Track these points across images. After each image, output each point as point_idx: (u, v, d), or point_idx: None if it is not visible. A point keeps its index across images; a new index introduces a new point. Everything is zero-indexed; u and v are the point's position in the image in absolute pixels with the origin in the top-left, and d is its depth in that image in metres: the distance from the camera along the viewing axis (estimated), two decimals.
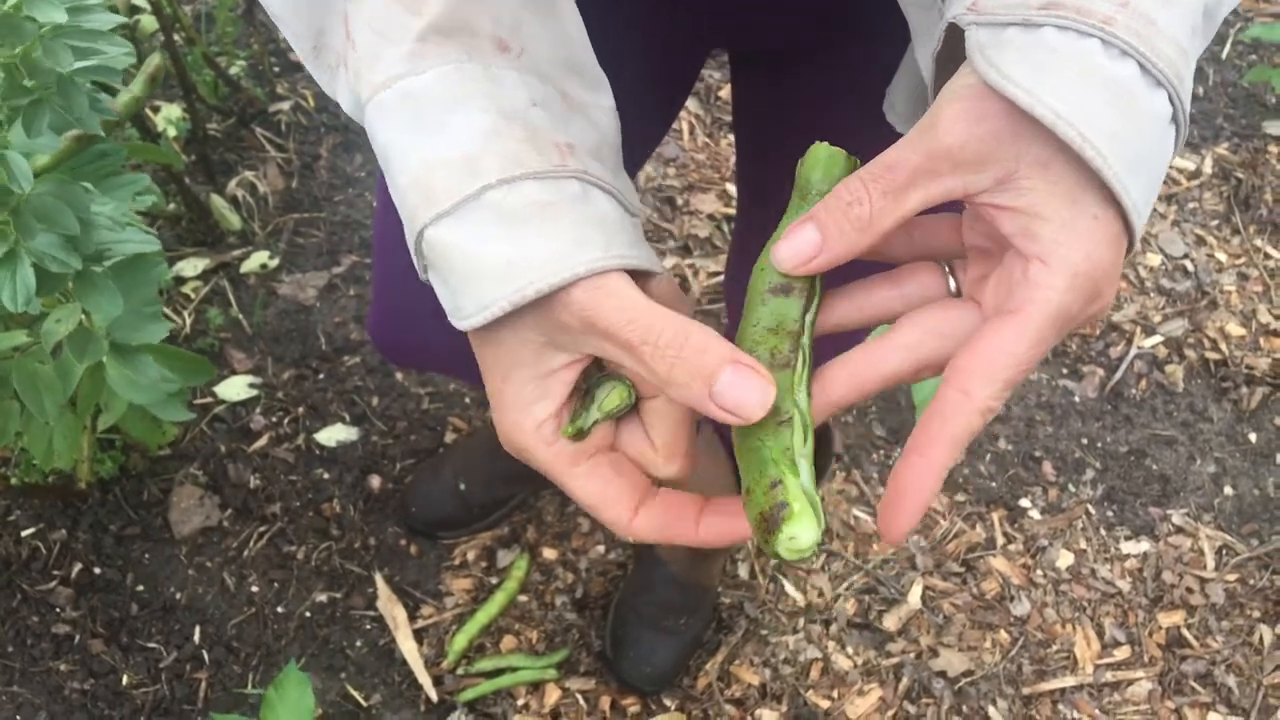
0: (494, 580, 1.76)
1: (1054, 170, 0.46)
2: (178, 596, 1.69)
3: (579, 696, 1.67)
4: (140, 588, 1.69)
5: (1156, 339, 2.12)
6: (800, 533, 0.47)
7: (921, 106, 0.74)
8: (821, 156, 0.52)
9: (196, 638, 1.66)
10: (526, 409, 0.52)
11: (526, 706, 1.65)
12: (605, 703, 1.66)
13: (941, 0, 0.65)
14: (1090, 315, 0.48)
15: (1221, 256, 2.26)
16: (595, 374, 0.53)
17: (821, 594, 1.78)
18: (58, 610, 1.65)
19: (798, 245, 0.49)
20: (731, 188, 2.25)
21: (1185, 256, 2.25)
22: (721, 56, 2.41)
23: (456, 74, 0.50)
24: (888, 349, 0.51)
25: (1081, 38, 0.45)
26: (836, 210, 0.48)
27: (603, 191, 0.52)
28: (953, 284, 0.53)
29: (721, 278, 2.10)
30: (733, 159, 2.29)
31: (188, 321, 1.94)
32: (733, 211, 2.21)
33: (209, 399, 1.86)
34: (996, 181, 0.47)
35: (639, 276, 0.52)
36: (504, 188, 0.48)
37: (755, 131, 1.03)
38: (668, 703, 1.67)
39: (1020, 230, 0.47)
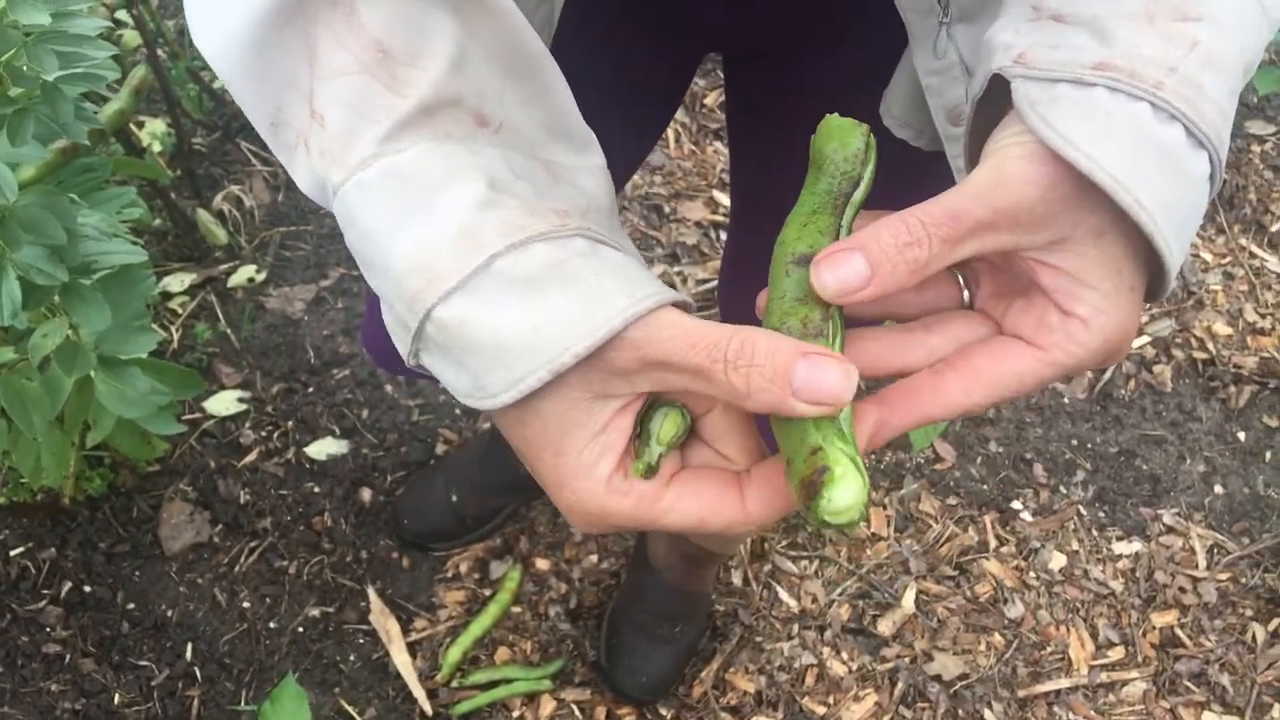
0: (487, 592, 1.75)
1: (1107, 240, 0.48)
2: (169, 614, 1.68)
3: (574, 707, 1.66)
4: (131, 605, 1.68)
5: (1144, 339, 2.12)
6: (840, 494, 0.45)
7: (917, 111, 0.74)
8: (835, 127, 0.52)
9: (188, 655, 1.65)
10: (590, 473, 0.48)
11: (522, 718, 1.64)
12: (601, 713, 1.66)
13: (940, 8, 0.65)
14: (1094, 369, 0.51)
15: (1207, 256, 2.27)
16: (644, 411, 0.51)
17: (815, 600, 1.78)
18: (48, 630, 1.64)
19: (844, 276, 0.47)
20: (719, 195, 2.25)
21: None
22: (706, 65, 2.41)
23: (439, 150, 0.48)
24: (953, 389, 0.51)
25: (1132, 100, 0.47)
26: (891, 248, 0.47)
27: (609, 246, 0.50)
28: (966, 296, 0.54)
29: (709, 284, 2.10)
30: (719, 166, 2.29)
31: (175, 337, 1.93)
32: (720, 219, 2.21)
33: (198, 414, 1.85)
34: (1049, 242, 0.48)
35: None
36: (512, 254, 0.46)
37: (749, 137, 1.03)
38: (664, 712, 1.66)
39: (1062, 289, 0.48)
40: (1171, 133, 0.47)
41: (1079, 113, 0.47)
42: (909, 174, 0.76)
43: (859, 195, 0.52)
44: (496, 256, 0.46)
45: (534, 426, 0.48)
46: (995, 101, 0.53)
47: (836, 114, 0.52)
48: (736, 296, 1.24)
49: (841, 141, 0.51)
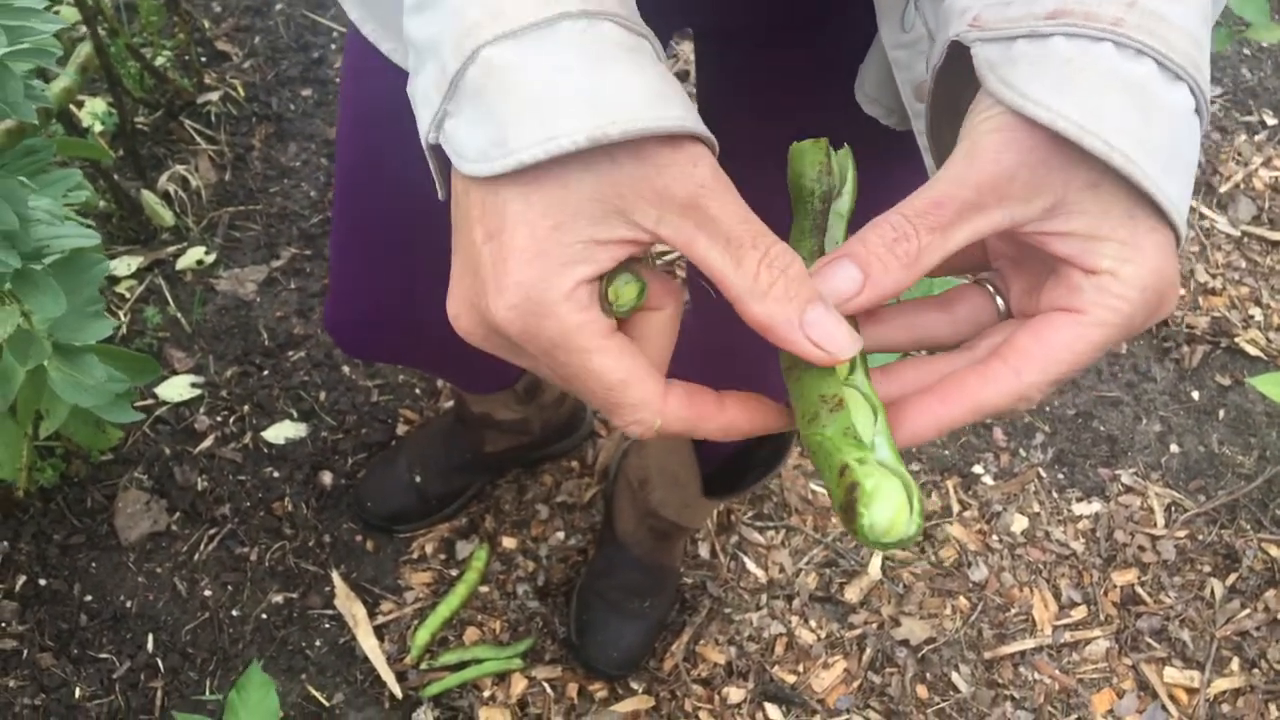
0: (454, 572, 1.73)
1: (1105, 190, 0.45)
2: (128, 605, 1.64)
3: (545, 685, 1.65)
4: (89, 598, 1.64)
5: None
6: (879, 511, 0.40)
7: (887, 88, 0.73)
8: (798, 153, 0.50)
9: (150, 646, 1.62)
10: (569, 266, 0.44)
11: (493, 698, 1.63)
12: (572, 690, 1.65)
13: None
14: (1153, 322, 0.48)
15: None
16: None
17: (783, 569, 1.78)
18: (3, 625, 1.60)
19: (835, 284, 0.46)
20: None
21: None
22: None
23: None
24: (1002, 374, 0.48)
25: (1093, 43, 0.45)
26: (879, 246, 0.45)
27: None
28: (1000, 304, 0.52)
29: (671, 254, 2.08)
30: None
31: (124, 322, 1.88)
32: None
33: (150, 400, 1.81)
34: (1045, 211, 0.46)
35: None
36: (584, 21, 0.43)
37: (721, 116, 1.00)
38: (635, 686, 1.66)
39: (1079, 251, 0.46)
40: (1141, 69, 0.45)
41: (1038, 68, 0.45)
42: (885, 157, 0.75)
43: (845, 206, 0.50)
44: (567, 16, 0.43)
45: (552, 193, 0.43)
46: (963, 74, 0.51)
47: (809, 140, 0.51)
48: (700, 275, 1.23)
49: (810, 164, 0.50)
